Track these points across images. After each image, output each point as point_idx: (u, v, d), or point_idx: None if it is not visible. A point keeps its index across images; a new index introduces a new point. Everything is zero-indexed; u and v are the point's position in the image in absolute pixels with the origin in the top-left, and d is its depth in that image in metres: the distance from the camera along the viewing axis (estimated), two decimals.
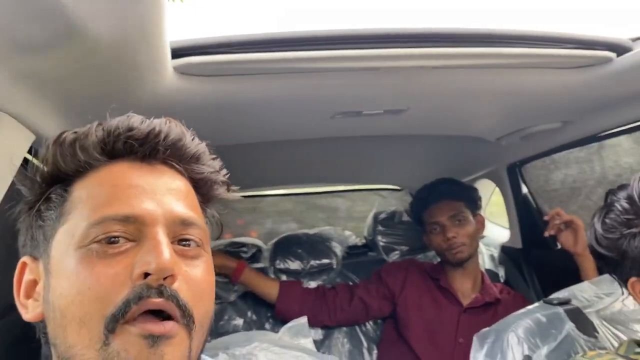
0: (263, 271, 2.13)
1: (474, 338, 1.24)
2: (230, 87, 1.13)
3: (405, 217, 2.28)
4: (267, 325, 2.00)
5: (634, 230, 0.94)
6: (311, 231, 2.28)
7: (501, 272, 2.31)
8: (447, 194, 1.92)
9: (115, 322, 0.53)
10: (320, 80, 1.14)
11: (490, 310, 1.86)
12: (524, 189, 2.14)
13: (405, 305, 1.92)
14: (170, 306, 0.55)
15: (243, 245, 2.29)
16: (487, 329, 1.25)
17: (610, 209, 0.99)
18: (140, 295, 0.54)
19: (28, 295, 0.62)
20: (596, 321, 1.21)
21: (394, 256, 2.25)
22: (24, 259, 0.64)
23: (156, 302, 0.54)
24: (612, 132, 1.63)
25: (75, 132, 0.62)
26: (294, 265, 2.12)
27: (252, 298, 2.05)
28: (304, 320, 1.26)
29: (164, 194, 0.61)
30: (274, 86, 1.15)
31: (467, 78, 1.22)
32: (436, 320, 1.87)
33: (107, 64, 0.85)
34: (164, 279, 0.55)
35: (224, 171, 0.72)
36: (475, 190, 2.04)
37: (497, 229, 2.54)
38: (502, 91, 1.34)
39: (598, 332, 1.19)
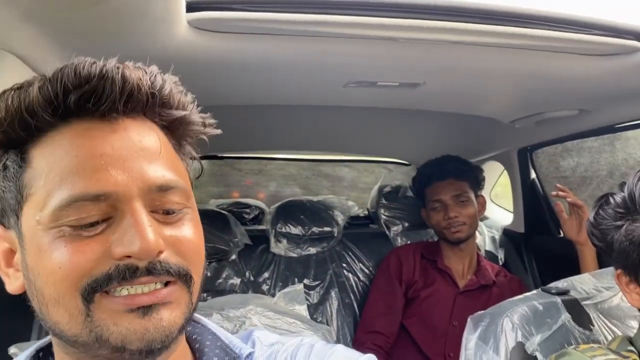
0: (265, 233, 2.14)
1: (468, 320, 1.24)
2: (243, 46, 1.10)
3: (409, 193, 2.28)
4: (264, 287, 2.01)
5: (619, 222, 0.97)
6: (315, 198, 2.28)
7: (500, 255, 2.30)
8: (453, 173, 1.90)
9: (93, 292, 0.50)
10: (336, 46, 1.11)
11: (485, 293, 1.86)
12: (532, 174, 2.12)
13: (410, 287, 1.92)
14: (162, 279, 0.52)
15: (247, 206, 2.30)
16: (482, 312, 1.25)
17: (606, 201, 1.01)
18: (124, 275, 0.50)
19: (8, 264, 0.58)
20: (593, 314, 1.20)
21: (395, 230, 2.25)
22: None
23: (146, 280, 0.51)
24: (630, 124, 1.59)
25: (19, 89, 0.52)
26: (296, 230, 2.13)
27: (250, 258, 2.06)
28: (300, 287, 1.27)
29: (133, 158, 0.53)
30: (288, 48, 1.12)
31: (487, 57, 1.18)
32: (432, 302, 1.87)
33: (119, 12, 0.82)
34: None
35: (195, 104, 0.61)
36: (480, 170, 2.02)
37: (501, 211, 2.53)
38: (522, 73, 1.31)
39: (593, 325, 1.18)
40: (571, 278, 1.29)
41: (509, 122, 1.77)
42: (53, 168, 0.52)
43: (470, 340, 1.19)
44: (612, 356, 0.95)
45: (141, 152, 0.53)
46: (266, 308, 1.09)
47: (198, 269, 0.56)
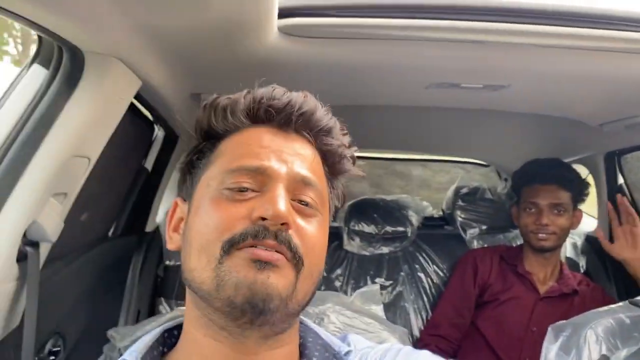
0: (337, 231, 2.16)
1: (549, 329, 1.21)
2: (328, 50, 1.13)
3: (488, 195, 2.22)
4: (336, 283, 2.05)
5: None
6: (388, 197, 2.28)
7: (582, 262, 2.21)
8: (559, 180, 1.80)
9: (231, 246, 0.61)
10: (420, 48, 1.11)
11: (567, 301, 1.80)
12: (620, 179, 2.02)
13: (485, 290, 1.89)
14: (282, 248, 0.61)
15: None
16: (564, 322, 1.22)
17: None
18: (257, 234, 0.61)
19: (175, 229, 0.72)
20: None
21: (472, 233, 2.21)
22: (177, 199, 0.75)
23: (271, 243, 0.61)
24: None
25: (229, 98, 0.72)
26: (369, 228, 2.14)
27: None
28: (376, 287, 1.28)
29: (291, 156, 0.68)
30: (372, 51, 1.13)
31: (573, 59, 1.15)
32: (510, 306, 1.82)
33: (216, 21, 0.87)
34: (281, 225, 0.62)
35: (354, 148, 0.76)
36: (587, 185, 1.91)
37: (584, 216, 2.42)
38: (610, 76, 1.25)
39: None
40: None
41: (597, 125, 1.69)
42: (231, 151, 0.69)
43: (550, 350, 1.17)
44: None
45: (296, 155, 0.68)
46: (344, 306, 1.11)
47: (311, 263, 0.65)
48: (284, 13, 0.98)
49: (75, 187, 0.99)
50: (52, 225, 0.92)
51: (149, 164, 1.77)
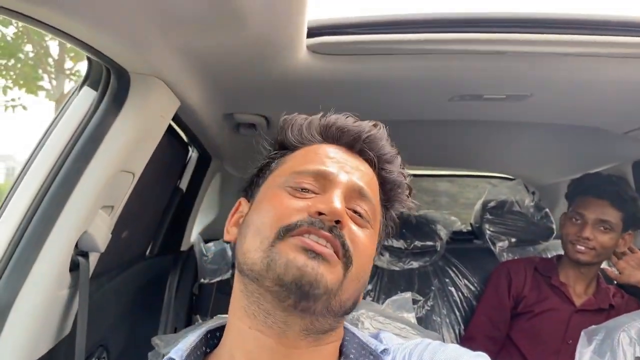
0: None
1: (582, 333, 1.22)
2: (355, 67, 1.18)
3: (516, 207, 2.22)
4: (367, 298, 2.06)
5: None
6: (416, 212, 2.30)
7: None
8: (612, 198, 1.75)
9: (286, 232, 0.66)
10: (443, 62, 1.15)
11: (602, 315, 1.76)
12: None
13: (520, 302, 1.88)
14: (335, 243, 0.66)
15: None
16: (596, 326, 1.23)
17: None
18: (313, 224, 0.66)
19: (235, 224, 0.79)
20: None
21: (501, 246, 2.21)
22: (241, 199, 0.82)
23: (326, 234, 0.65)
24: None
25: (305, 118, 0.81)
26: (398, 243, 2.16)
27: None
28: (408, 295, 1.30)
29: (352, 168, 0.75)
30: (396, 67, 1.18)
31: (597, 67, 1.17)
32: (545, 318, 1.80)
33: (250, 40, 0.93)
34: (336, 223, 0.66)
35: (410, 178, 0.83)
36: None
37: None
38: (633, 82, 1.27)
39: None
40: None
41: (622, 133, 1.70)
42: (300, 157, 0.77)
43: (584, 354, 1.18)
44: None
45: (357, 170, 0.75)
46: (377, 313, 1.14)
47: (359, 266, 0.69)
48: (312, 32, 1.04)
49: (121, 200, 1.05)
50: (101, 235, 0.98)
51: (183, 184, 1.84)
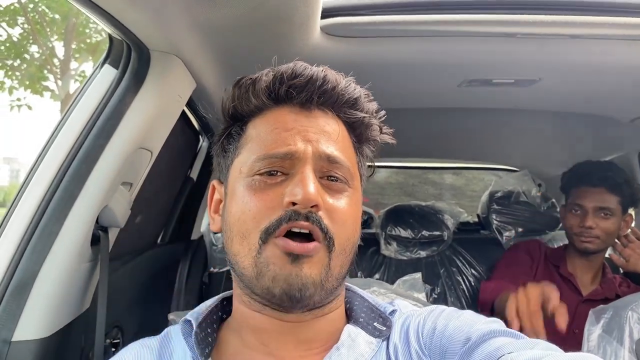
0: (374, 236, 2.21)
1: (590, 312, 1.24)
2: (365, 49, 1.20)
3: (523, 198, 2.24)
4: (377, 275, 2.09)
5: None
6: (423, 203, 2.32)
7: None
8: (607, 184, 1.76)
9: (268, 235, 0.66)
10: (453, 44, 1.17)
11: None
12: None
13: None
14: (314, 229, 0.66)
15: None
16: (604, 305, 1.24)
17: None
18: (290, 218, 0.65)
19: (216, 211, 0.78)
20: None
21: (508, 236, 2.23)
22: (214, 182, 0.80)
23: (304, 224, 0.65)
24: None
25: (250, 78, 0.75)
26: (405, 233, 2.18)
27: (362, 260, 2.15)
28: (418, 275, 1.32)
29: (316, 134, 0.71)
30: (409, 49, 1.20)
31: (606, 49, 1.18)
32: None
33: (264, 21, 0.95)
34: (311, 207, 0.66)
35: (382, 112, 0.79)
36: (638, 189, 1.85)
37: None
38: None
39: None
40: None
41: (629, 120, 1.72)
42: (259, 136, 0.72)
43: (592, 332, 1.19)
44: None
45: (321, 133, 0.71)
46: (389, 290, 1.16)
47: (343, 239, 0.69)
48: (326, 13, 1.06)
49: (140, 177, 1.07)
50: (121, 210, 1.00)
51: (194, 174, 1.86)
